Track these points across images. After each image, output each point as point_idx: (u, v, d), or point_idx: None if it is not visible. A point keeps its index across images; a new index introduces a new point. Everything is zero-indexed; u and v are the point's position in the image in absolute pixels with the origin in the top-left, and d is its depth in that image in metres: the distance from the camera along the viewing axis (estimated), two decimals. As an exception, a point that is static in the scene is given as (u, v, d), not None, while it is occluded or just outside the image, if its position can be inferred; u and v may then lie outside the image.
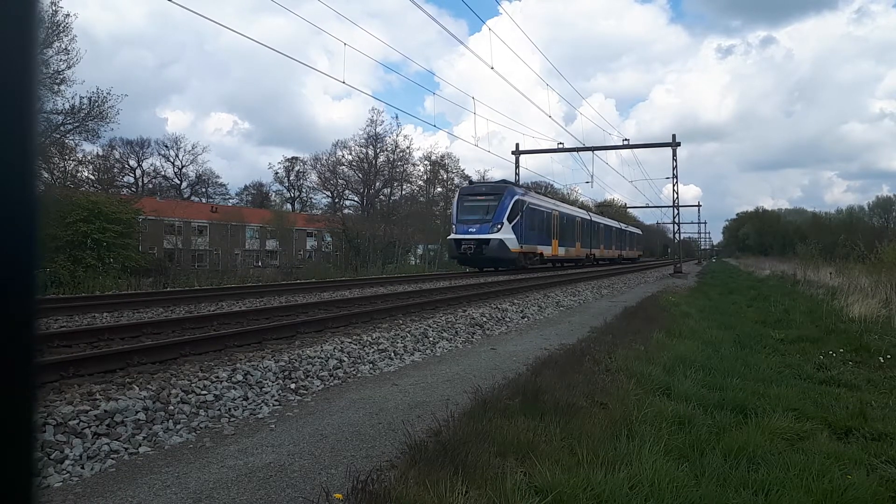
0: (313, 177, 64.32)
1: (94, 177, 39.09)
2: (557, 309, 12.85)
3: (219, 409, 4.43)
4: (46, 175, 25.72)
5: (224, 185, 73.03)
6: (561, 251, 32.52)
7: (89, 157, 40.00)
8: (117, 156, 57.62)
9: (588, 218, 39.94)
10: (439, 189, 53.31)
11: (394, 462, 3.33)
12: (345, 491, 2.87)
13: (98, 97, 28.46)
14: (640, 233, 68.88)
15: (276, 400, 4.84)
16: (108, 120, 29.05)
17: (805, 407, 5.08)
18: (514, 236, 25.41)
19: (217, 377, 4.96)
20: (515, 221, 25.61)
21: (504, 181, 30.77)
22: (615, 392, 4.87)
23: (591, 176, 60.70)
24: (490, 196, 26.17)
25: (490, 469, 3.07)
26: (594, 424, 3.94)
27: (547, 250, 30.11)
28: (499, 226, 25.13)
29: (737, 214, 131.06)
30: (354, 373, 5.94)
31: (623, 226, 55.42)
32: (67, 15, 26.54)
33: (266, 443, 3.77)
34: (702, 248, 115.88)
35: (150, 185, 63.50)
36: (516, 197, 26.19)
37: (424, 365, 6.49)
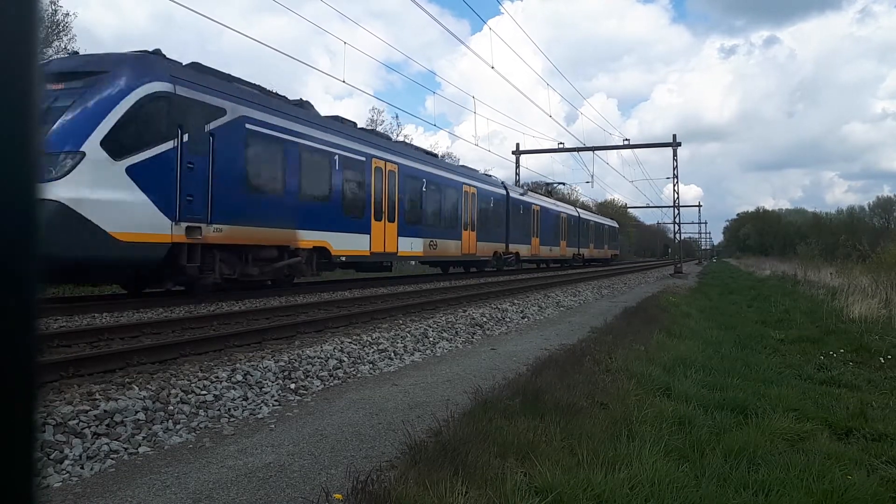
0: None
1: (95, 177, 39.03)
2: (558, 309, 12.85)
3: (218, 409, 4.43)
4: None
5: (224, 184, 72.72)
6: (413, 246, 17.87)
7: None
8: (117, 156, 57.47)
9: (499, 192, 25.41)
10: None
11: (394, 462, 3.32)
12: (345, 491, 2.87)
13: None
14: (616, 225, 54.08)
15: (275, 400, 4.84)
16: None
17: (805, 407, 5.08)
18: (138, 195, 9.22)
19: (217, 377, 4.96)
20: (160, 154, 9.59)
21: (145, 52, 10.28)
22: (615, 392, 4.87)
23: (592, 176, 60.16)
24: (74, 79, 9.08)
25: (490, 469, 3.07)
26: (594, 425, 3.94)
27: (355, 242, 14.97)
28: (71, 159, 8.45)
29: (737, 214, 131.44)
30: (354, 373, 5.94)
31: (583, 213, 41.25)
32: (67, 14, 26.53)
33: (266, 443, 3.77)
34: (702, 248, 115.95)
35: (151, 185, 63.35)
36: (147, 86, 9.41)
37: (424, 365, 6.48)
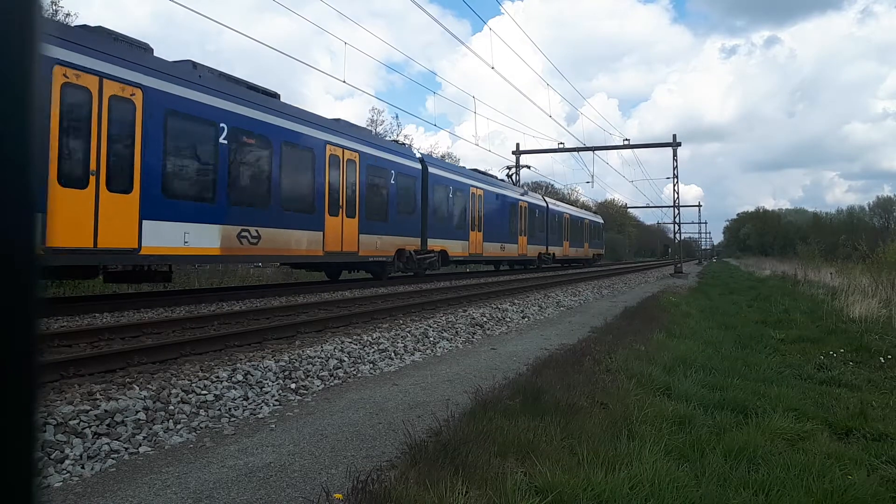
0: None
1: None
2: (558, 309, 12.85)
3: (219, 409, 4.44)
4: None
5: (224, 184, 72.57)
6: (192, 238, 10.61)
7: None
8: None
9: (408, 164, 18.03)
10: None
11: (394, 462, 3.33)
12: (345, 491, 2.87)
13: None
14: (600, 221, 46.50)
15: (276, 400, 4.84)
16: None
17: (805, 407, 5.08)
18: None
19: (217, 377, 4.97)
20: None
21: None
22: (615, 392, 4.87)
23: (592, 176, 60.11)
24: None
25: (490, 469, 3.07)
26: (594, 424, 3.94)
27: None
28: None
29: (738, 214, 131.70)
30: (355, 373, 5.94)
31: (554, 203, 33.99)
32: (68, 14, 26.57)
33: (266, 443, 3.77)
34: (702, 248, 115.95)
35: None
36: None
37: (425, 365, 6.49)
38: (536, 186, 43.20)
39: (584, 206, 53.21)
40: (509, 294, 14.80)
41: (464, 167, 26.44)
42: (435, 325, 8.72)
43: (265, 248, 12.32)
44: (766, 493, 3.22)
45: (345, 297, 12.70)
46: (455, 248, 20.79)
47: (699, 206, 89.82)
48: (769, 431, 4.25)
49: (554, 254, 32.17)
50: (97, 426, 3.72)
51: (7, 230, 0.49)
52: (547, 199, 33.39)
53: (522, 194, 28.56)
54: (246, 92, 12.25)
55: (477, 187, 22.74)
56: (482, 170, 26.58)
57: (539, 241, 29.76)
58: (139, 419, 3.96)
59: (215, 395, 4.62)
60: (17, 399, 0.50)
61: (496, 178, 27.65)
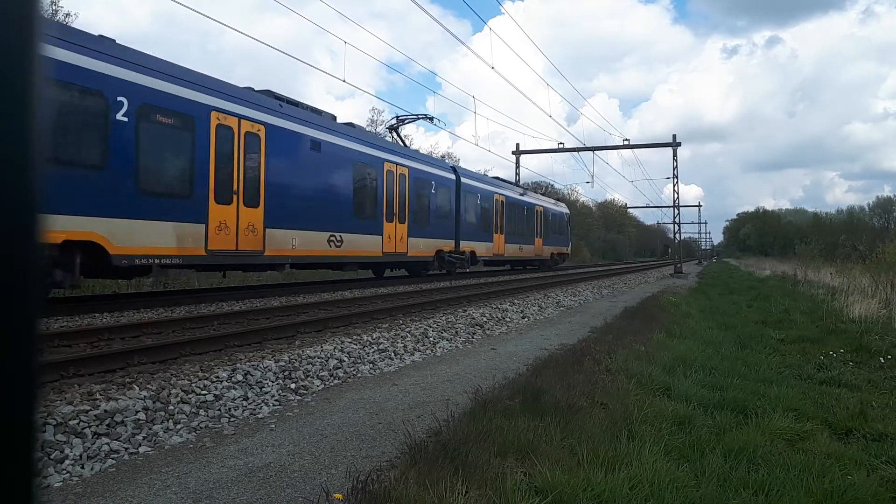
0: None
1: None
2: (558, 309, 12.85)
3: (219, 409, 4.43)
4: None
5: (223, 184, 72.30)
6: None
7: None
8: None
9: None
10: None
11: (394, 462, 3.33)
12: (345, 491, 2.87)
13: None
14: (564, 211, 35.25)
15: (276, 400, 4.84)
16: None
17: (805, 407, 5.08)
18: None
19: (217, 377, 4.97)
20: None
21: None
22: (615, 392, 4.87)
23: (592, 176, 59.90)
24: None
25: (490, 469, 3.07)
26: (594, 424, 3.94)
27: None
28: None
29: (738, 214, 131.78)
30: (354, 373, 5.94)
31: (472, 179, 22.62)
32: (67, 14, 26.57)
33: (266, 443, 3.77)
34: (702, 248, 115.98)
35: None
36: None
37: (424, 365, 6.48)
38: (537, 186, 42.75)
39: (584, 206, 52.58)
40: (509, 294, 14.81)
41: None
42: (435, 325, 8.72)
43: None
44: (766, 493, 3.22)
45: (345, 297, 12.71)
46: (163, 236, 9.83)
47: (699, 206, 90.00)
48: (769, 431, 4.25)
49: (473, 251, 21.59)
50: (97, 426, 3.72)
51: (7, 230, 0.50)
52: (462, 171, 22.06)
53: (405, 156, 17.76)
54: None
55: (260, 122, 12.03)
56: (303, 102, 14.15)
57: (441, 233, 19.32)
58: (139, 419, 3.96)
59: (215, 395, 4.62)
60: (17, 399, 0.50)
61: (332, 117, 15.13)
